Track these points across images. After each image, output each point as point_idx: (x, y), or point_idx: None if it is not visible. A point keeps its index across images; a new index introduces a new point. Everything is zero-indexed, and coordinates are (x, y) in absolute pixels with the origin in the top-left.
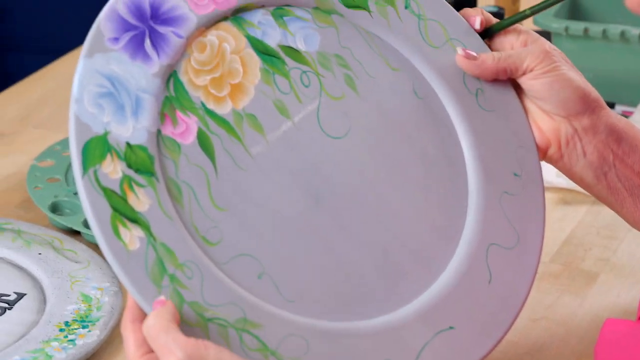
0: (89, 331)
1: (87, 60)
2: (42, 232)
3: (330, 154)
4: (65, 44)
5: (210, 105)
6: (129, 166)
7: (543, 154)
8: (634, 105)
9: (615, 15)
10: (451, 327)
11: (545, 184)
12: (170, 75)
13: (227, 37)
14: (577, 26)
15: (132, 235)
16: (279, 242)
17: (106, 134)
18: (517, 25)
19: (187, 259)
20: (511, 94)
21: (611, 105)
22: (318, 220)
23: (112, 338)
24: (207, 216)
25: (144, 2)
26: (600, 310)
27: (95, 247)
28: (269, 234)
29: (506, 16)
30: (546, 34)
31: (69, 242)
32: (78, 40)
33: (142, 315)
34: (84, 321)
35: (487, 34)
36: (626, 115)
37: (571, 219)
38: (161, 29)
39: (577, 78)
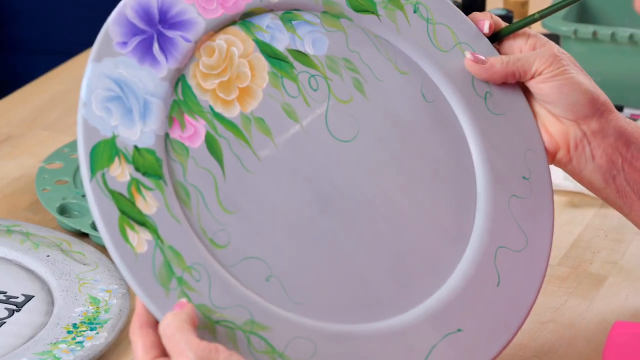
0: (97, 333)
1: (95, 64)
2: (50, 234)
3: (338, 157)
4: (74, 46)
5: (219, 109)
6: (137, 169)
7: (552, 157)
8: None
9: (624, 19)
10: (459, 330)
11: (553, 187)
12: (179, 79)
13: (235, 41)
14: (585, 29)
15: (140, 238)
16: (287, 245)
17: (114, 137)
18: (526, 29)
19: (195, 262)
20: (520, 97)
21: (619, 108)
22: (326, 223)
23: (120, 340)
24: (215, 219)
25: (152, 7)
26: (607, 313)
27: (103, 249)
28: (277, 237)
29: (515, 19)
30: (555, 37)
31: (77, 244)
32: (87, 42)
33: (151, 321)
34: (92, 323)
35: (496, 37)
36: (634, 118)
37: (579, 222)
38: (169, 33)
39: (586, 81)
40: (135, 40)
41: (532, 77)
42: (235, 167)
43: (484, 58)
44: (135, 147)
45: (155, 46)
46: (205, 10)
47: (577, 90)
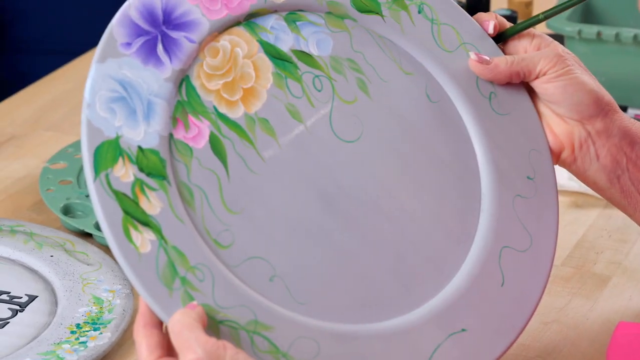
0: (101, 333)
1: (99, 65)
2: (54, 234)
3: (342, 157)
4: (76, 46)
5: (223, 110)
6: (141, 170)
7: (556, 157)
8: None
9: (628, 19)
10: (463, 330)
11: (558, 187)
12: (183, 80)
13: (239, 42)
14: (590, 29)
15: (144, 238)
16: (290, 245)
17: (118, 138)
18: (531, 30)
19: (199, 262)
20: (524, 97)
21: (624, 109)
22: (330, 223)
23: (124, 340)
24: (219, 219)
25: (157, 8)
26: (611, 314)
27: (106, 249)
28: (280, 237)
29: (519, 19)
30: (559, 38)
31: (81, 245)
32: (90, 42)
33: (155, 320)
34: (96, 323)
35: (501, 38)
36: (639, 118)
37: (583, 222)
38: (173, 34)
39: (590, 81)
40: (140, 41)
41: (537, 77)
42: (239, 167)
43: (488, 58)
44: (139, 148)
45: (160, 47)
46: (210, 11)
47: (582, 90)
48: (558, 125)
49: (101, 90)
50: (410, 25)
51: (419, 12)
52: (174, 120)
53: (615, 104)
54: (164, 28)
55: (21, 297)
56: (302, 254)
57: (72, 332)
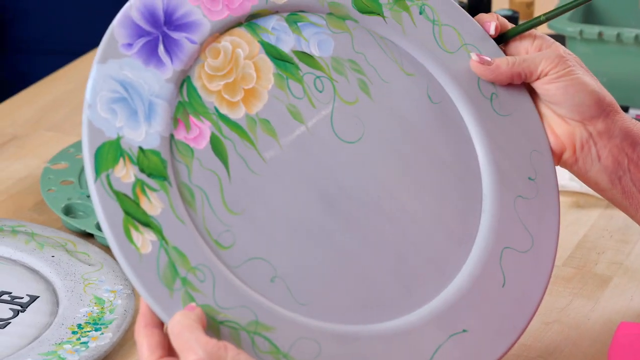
0: (102, 334)
1: (100, 66)
2: (55, 234)
3: (343, 158)
4: (77, 46)
5: (224, 110)
6: (142, 170)
7: (558, 158)
8: None
9: (630, 19)
10: (464, 331)
11: (559, 188)
12: (184, 81)
13: (240, 42)
14: (591, 30)
15: (145, 239)
16: (292, 246)
17: (119, 138)
18: (532, 31)
19: (200, 263)
20: (526, 98)
21: (625, 109)
22: (331, 224)
23: (125, 341)
24: (220, 220)
25: (158, 9)
26: (613, 314)
27: (108, 249)
28: (282, 238)
29: (521, 20)
30: (561, 38)
31: (82, 245)
32: (90, 42)
33: (156, 321)
34: (97, 324)
35: (502, 39)
36: None
37: (584, 222)
38: (175, 34)
39: (592, 82)
40: (141, 41)
41: (538, 78)
42: (240, 168)
43: (489, 59)
44: (140, 149)
45: (161, 48)
46: (211, 11)
47: (583, 91)
48: (559, 126)
49: (102, 91)
50: (412, 26)
51: (421, 13)
52: (175, 121)
53: (616, 105)
54: (165, 29)
55: (22, 298)
56: (303, 255)
57: (74, 333)
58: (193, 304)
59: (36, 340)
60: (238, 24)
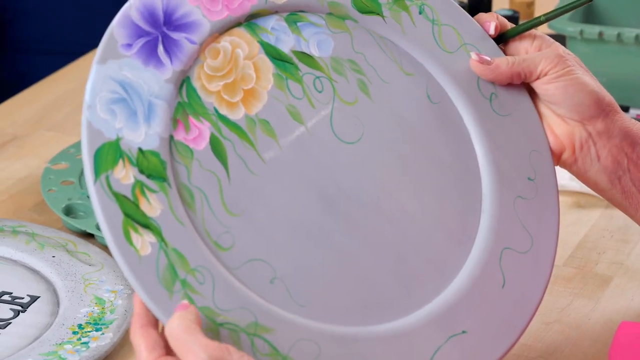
0: (103, 334)
1: (99, 67)
2: (56, 234)
3: (343, 159)
4: (77, 46)
5: (223, 111)
6: (141, 172)
7: (557, 158)
8: None
9: (630, 19)
10: (464, 332)
11: (559, 188)
12: (183, 81)
13: (240, 43)
14: (591, 30)
15: (144, 241)
16: (291, 247)
17: (118, 139)
18: (532, 30)
19: (199, 264)
20: (525, 98)
21: (625, 109)
22: (331, 225)
23: (125, 341)
24: (220, 221)
25: (158, 9)
26: (613, 314)
27: (108, 250)
28: (281, 239)
29: (521, 20)
30: (561, 38)
31: (83, 245)
32: (90, 42)
33: (152, 321)
34: (98, 324)
35: (502, 39)
36: None
37: (585, 222)
38: (174, 35)
39: (591, 82)
40: (140, 42)
41: (538, 78)
42: (239, 169)
43: (489, 59)
44: (140, 150)
45: (160, 48)
46: (210, 12)
47: (583, 91)
48: (559, 126)
49: (102, 92)
50: (411, 26)
51: (420, 13)
52: (175, 122)
53: (616, 105)
54: (164, 29)
55: (23, 298)
56: (302, 256)
57: (74, 333)
58: (185, 302)
59: (37, 340)
60: (237, 24)
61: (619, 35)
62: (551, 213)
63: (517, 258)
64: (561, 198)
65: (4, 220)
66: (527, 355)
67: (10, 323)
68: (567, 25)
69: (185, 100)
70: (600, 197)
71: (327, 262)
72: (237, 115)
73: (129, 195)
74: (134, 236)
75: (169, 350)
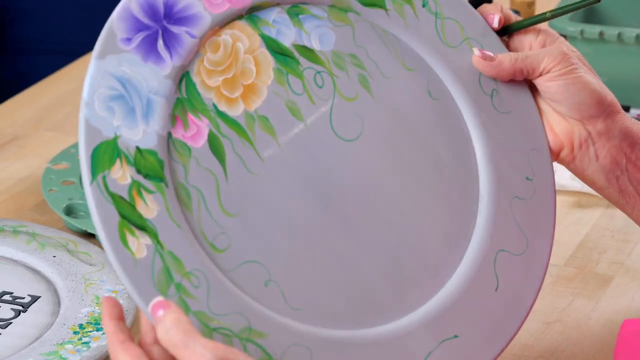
0: (103, 334)
1: (98, 62)
2: (57, 234)
3: (341, 157)
4: (77, 46)
5: (222, 107)
6: (138, 171)
7: (555, 156)
8: None
9: (631, 19)
10: (455, 336)
11: (560, 187)
12: (182, 77)
13: (241, 36)
14: (592, 29)
15: (140, 243)
16: (286, 248)
17: (116, 138)
18: (537, 25)
19: (194, 268)
20: (527, 95)
21: (626, 109)
22: (327, 225)
23: None
24: (216, 222)
25: (158, 1)
26: (614, 314)
27: None
28: (277, 240)
29: None
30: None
31: (84, 245)
32: (90, 43)
33: (129, 336)
34: (98, 324)
35: (506, 32)
36: None
37: (586, 222)
38: (175, 28)
39: (594, 81)
40: (140, 36)
41: (540, 75)
42: (237, 167)
43: (492, 55)
44: (137, 149)
45: (160, 42)
46: (212, 4)
47: (585, 90)
48: (558, 123)
49: (100, 88)
50: (414, 19)
51: (423, 6)
52: (173, 119)
53: (618, 105)
54: (165, 22)
55: (24, 298)
56: (297, 257)
57: (75, 333)
58: (160, 299)
59: (37, 340)
60: (239, 16)
61: (619, 35)
62: (548, 214)
63: (512, 260)
64: (562, 198)
65: (4, 220)
66: (527, 355)
67: (11, 323)
68: (568, 25)
69: (184, 96)
70: (601, 196)
71: (322, 263)
72: (236, 111)
73: (126, 196)
74: (130, 239)
75: (155, 358)
